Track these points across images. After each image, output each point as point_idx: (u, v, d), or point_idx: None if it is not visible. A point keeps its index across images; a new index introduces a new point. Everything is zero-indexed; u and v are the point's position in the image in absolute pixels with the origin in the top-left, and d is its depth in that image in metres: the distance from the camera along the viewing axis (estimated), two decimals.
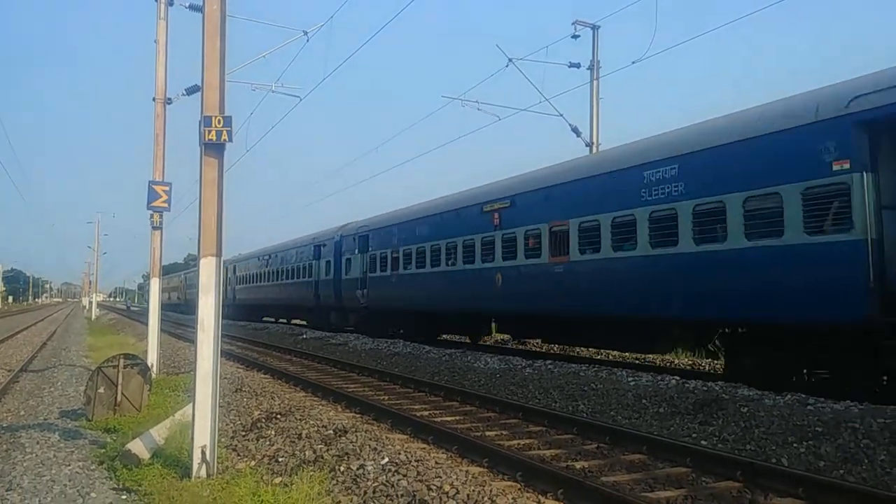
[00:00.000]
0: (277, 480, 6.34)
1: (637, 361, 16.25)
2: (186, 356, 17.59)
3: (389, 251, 22.63)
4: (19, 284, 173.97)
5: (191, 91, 15.41)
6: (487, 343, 22.35)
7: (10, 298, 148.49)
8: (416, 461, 6.51)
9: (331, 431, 7.98)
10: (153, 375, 12.20)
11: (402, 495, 5.64)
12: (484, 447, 7.34)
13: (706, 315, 11.31)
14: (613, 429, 8.22)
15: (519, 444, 8.00)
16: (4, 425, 9.80)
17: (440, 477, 5.94)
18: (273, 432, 8.40)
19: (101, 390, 9.71)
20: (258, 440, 8.18)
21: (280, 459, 7.20)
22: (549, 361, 13.94)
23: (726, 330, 11.81)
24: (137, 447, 7.21)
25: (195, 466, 6.38)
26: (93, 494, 6.38)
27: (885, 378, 9.29)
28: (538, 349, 20.09)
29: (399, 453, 6.79)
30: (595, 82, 20.46)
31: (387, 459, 6.57)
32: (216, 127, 6.67)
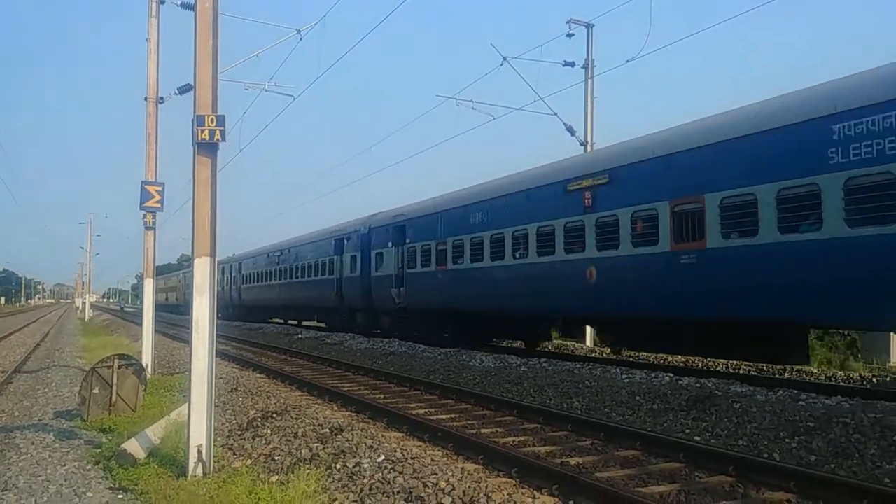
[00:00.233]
0: (274, 479, 6.36)
1: (630, 359, 16.26)
2: (181, 356, 17.57)
3: (433, 243, 19.40)
4: (11, 286, 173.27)
5: (183, 90, 15.37)
6: (544, 348, 19.04)
7: (3, 300, 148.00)
8: (411, 459, 6.55)
9: (327, 430, 8.01)
10: (148, 376, 12.20)
11: (398, 492, 5.68)
12: (479, 444, 7.37)
13: None
14: (607, 425, 8.26)
15: (514, 441, 8.03)
16: None
17: (436, 474, 5.98)
18: (269, 431, 8.42)
19: (96, 391, 9.70)
20: (254, 439, 8.20)
21: (276, 458, 7.22)
22: (543, 360, 13.99)
23: None
24: (133, 447, 7.22)
25: (191, 465, 6.40)
26: (89, 494, 6.39)
27: None
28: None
29: (395, 451, 6.83)
30: (590, 81, 20.54)
31: (383, 457, 6.61)
32: (209, 126, 6.69)
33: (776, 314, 10.10)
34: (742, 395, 9.09)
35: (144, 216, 14.79)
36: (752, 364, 14.52)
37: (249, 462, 7.16)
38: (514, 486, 6.15)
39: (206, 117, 6.70)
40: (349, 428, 8.01)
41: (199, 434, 6.45)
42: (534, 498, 5.64)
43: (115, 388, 9.76)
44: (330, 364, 16.88)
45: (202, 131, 6.67)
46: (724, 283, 10.72)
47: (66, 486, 6.66)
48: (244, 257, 43.07)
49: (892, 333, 14.54)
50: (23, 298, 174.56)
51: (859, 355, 15.54)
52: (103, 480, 6.86)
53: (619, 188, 12.81)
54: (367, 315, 24.71)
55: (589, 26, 20.55)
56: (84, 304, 65.31)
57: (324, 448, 7.24)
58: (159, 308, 25.45)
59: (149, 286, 15.54)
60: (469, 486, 5.57)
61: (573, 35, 20.38)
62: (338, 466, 6.54)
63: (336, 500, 5.78)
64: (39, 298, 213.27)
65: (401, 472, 6.10)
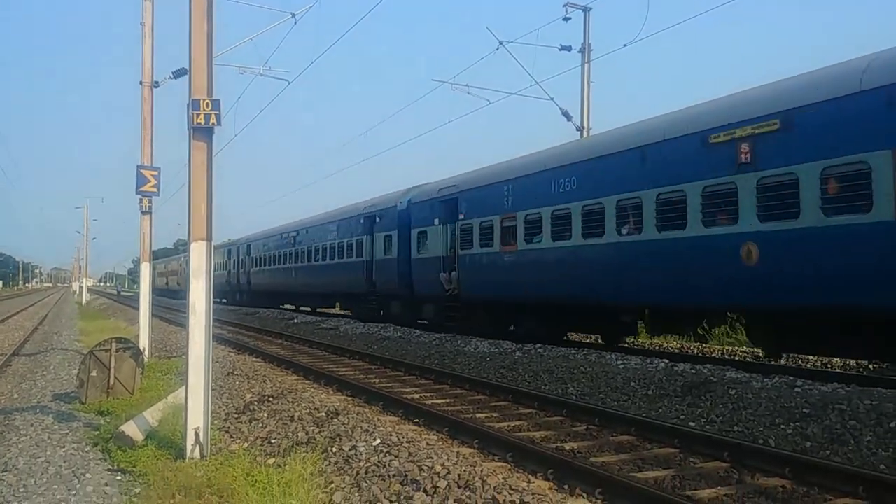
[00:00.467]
0: (271, 461, 6.39)
1: (626, 345, 16.29)
2: (178, 340, 17.60)
3: (497, 219, 16.12)
4: (9, 269, 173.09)
5: (178, 74, 15.30)
6: (631, 345, 16.32)
7: (0, 283, 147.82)
8: (407, 442, 6.58)
9: (323, 414, 8.04)
10: (145, 359, 12.23)
11: (393, 475, 5.70)
12: (474, 429, 7.41)
13: None
14: (602, 411, 8.30)
15: (509, 425, 8.08)
16: None
17: (431, 458, 6.01)
18: (266, 415, 8.46)
19: (94, 374, 9.74)
20: (251, 422, 8.23)
21: (273, 441, 7.26)
22: (538, 346, 14.02)
23: None
24: (131, 429, 7.25)
25: (189, 448, 6.43)
26: (87, 475, 6.43)
27: None
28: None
29: (390, 435, 6.86)
30: (586, 65, 20.39)
31: (378, 441, 6.64)
32: (204, 110, 6.64)
33: None
34: (738, 381, 9.13)
35: (141, 200, 14.75)
36: (748, 350, 14.56)
37: (246, 445, 7.19)
38: (509, 470, 6.18)
39: (202, 101, 6.65)
40: (345, 412, 8.04)
41: (196, 417, 6.47)
42: (529, 482, 5.67)
43: (112, 371, 9.79)
44: (326, 348, 16.94)
45: (197, 115, 6.63)
46: None
47: (65, 467, 6.70)
48: (253, 239, 39.41)
49: None
50: (20, 282, 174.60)
51: None
52: (102, 462, 6.90)
53: (798, 136, 9.64)
54: (405, 303, 21.50)
55: (586, 10, 20.34)
56: (81, 287, 65.34)
57: (320, 431, 7.27)
58: (159, 293, 25.24)
59: (145, 270, 15.55)
60: (464, 470, 5.60)
61: (570, 18, 20.11)
62: (334, 450, 6.57)
63: (332, 482, 5.81)
64: (37, 282, 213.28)
65: (396, 456, 6.13)
